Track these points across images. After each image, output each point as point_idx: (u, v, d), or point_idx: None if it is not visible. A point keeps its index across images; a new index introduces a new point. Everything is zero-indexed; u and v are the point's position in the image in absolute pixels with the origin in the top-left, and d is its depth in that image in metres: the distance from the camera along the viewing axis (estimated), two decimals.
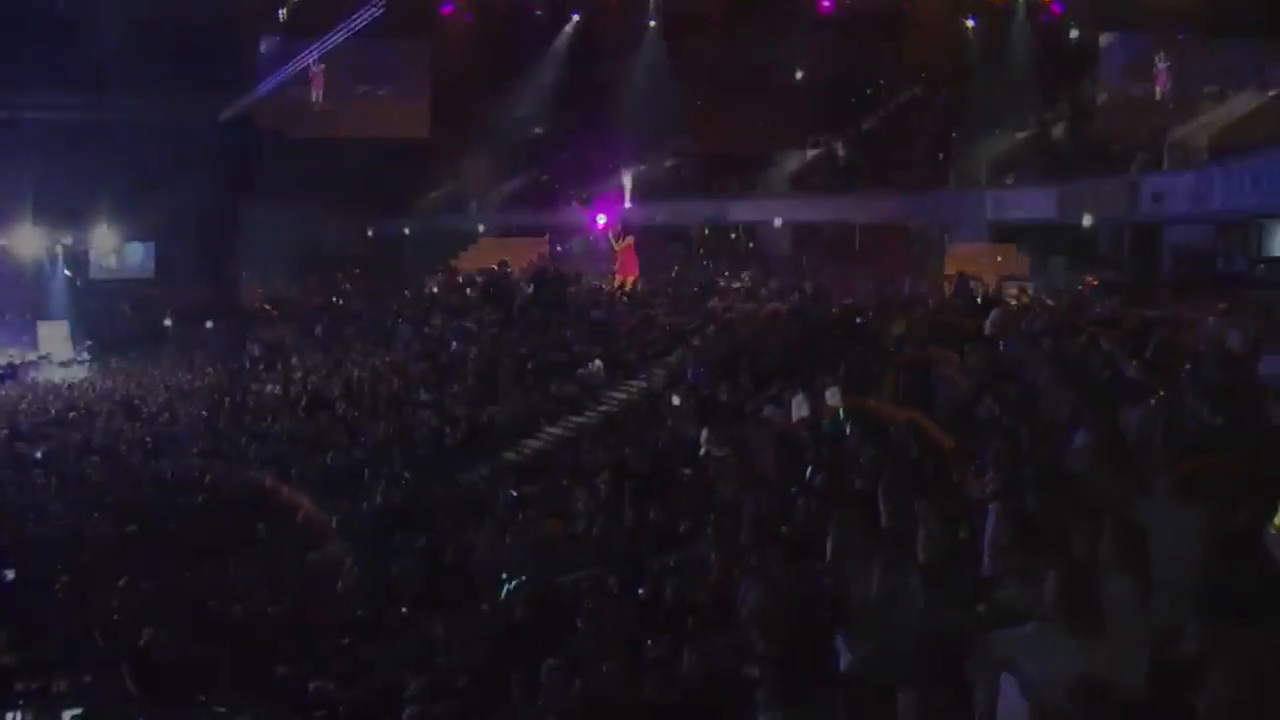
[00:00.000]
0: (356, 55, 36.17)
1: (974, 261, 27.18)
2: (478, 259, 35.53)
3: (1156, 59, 33.02)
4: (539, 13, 37.73)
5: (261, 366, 31.08)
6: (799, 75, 38.22)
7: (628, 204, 35.96)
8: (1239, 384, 7.35)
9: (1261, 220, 26.36)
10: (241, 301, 41.64)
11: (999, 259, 29.06)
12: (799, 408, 12.24)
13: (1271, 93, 30.84)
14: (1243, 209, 26.66)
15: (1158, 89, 32.97)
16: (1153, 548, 5.45)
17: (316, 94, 37.32)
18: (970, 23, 35.45)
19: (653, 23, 37.22)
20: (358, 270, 41.12)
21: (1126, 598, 5.26)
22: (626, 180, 37.34)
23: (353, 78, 38.04)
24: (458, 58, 36.82)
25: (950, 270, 26.20)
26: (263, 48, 37.21)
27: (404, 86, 39.12)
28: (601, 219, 33.76)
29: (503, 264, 30.87)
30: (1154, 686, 4.95)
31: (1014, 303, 18.85)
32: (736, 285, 28.26)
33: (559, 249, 37.61)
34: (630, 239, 29.83)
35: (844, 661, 6.35)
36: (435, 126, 38.57)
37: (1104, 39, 34.13)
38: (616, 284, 28.71)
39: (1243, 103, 31.04)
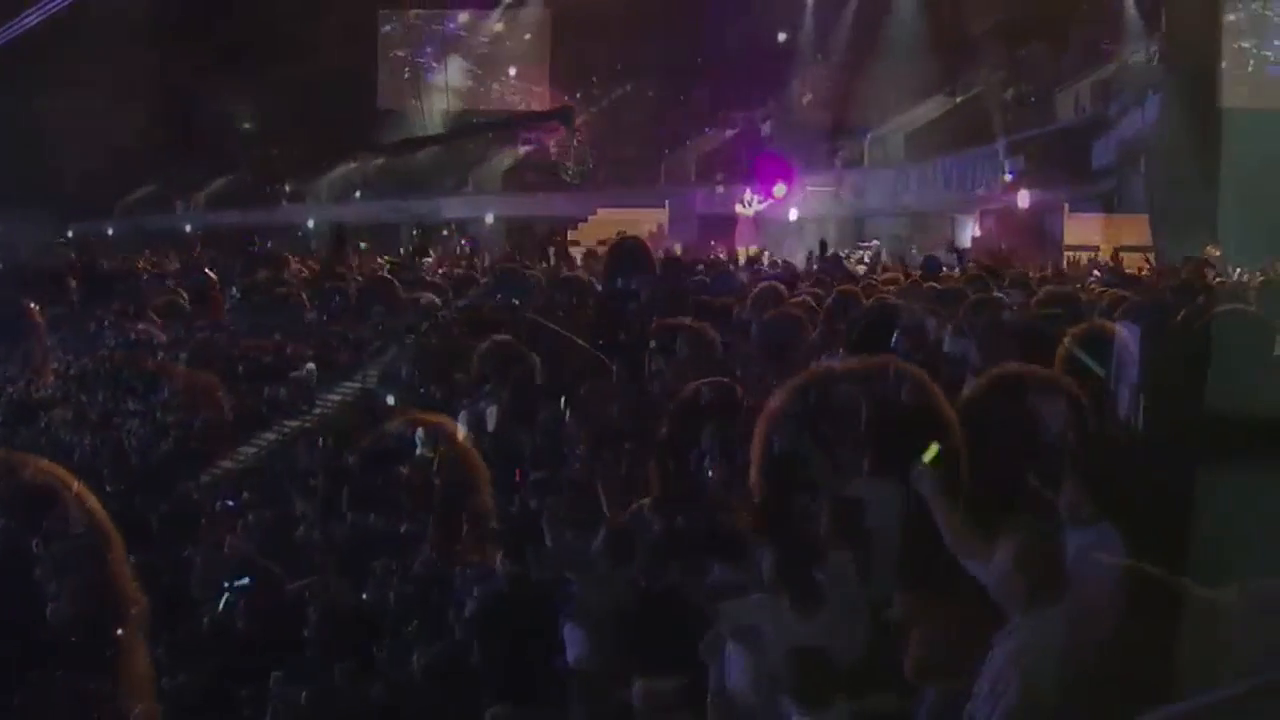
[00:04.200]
0: None
1: (1091, 231, 26.99)
2: (595, 231, 33.86)
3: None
4: None
5: None
6: (512, 72, 38.40)
7: None
8: (933, 366, 7.78)
9: (954, 215, 28.10)
10: None
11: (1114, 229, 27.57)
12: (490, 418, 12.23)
13: (959, 98, 32.75)
14: (934, 205, 28.35)
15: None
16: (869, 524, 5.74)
17: None
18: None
19: None
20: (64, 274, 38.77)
21: (845, 571, 5.54)
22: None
23: None
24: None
25: (1070, 240, 26.11)
26: None
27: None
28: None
29: (621, 234, 29.00)
30: (871, 653, 5.25)
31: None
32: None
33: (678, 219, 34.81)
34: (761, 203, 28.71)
35: (573, 653, 6.44)
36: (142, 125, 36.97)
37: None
38: (746, 254, 27.14)
39: (934, 106, 32.84)
